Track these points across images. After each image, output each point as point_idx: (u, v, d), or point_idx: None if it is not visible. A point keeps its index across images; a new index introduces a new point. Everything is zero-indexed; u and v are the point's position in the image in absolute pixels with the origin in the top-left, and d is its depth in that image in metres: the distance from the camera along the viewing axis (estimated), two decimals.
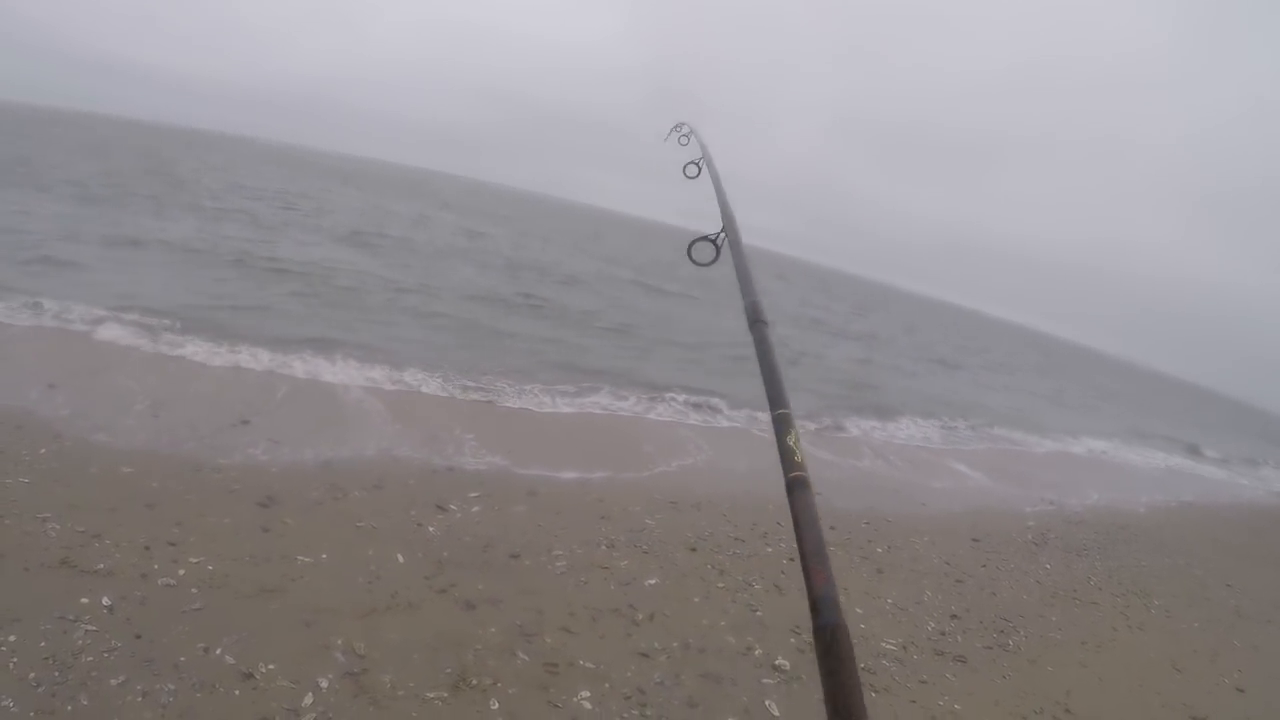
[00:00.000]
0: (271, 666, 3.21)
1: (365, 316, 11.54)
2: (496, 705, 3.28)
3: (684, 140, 2.30)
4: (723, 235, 1.48)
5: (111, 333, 7.81)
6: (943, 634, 4.94)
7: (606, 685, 3.58)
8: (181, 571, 3.77)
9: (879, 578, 5.66)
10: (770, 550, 5.66)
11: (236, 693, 3.03)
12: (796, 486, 0.83)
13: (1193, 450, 19.97)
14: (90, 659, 3.03)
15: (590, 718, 3.35)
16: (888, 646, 4.57)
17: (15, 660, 2.94)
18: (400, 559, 4.38)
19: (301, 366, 8.03)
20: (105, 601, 3.39)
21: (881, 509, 7.40)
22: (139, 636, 3.22)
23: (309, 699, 3.07)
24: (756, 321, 1.17)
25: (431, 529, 4.87)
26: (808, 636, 4.36)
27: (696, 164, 2.08)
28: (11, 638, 3.05)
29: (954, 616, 5.25)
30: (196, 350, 7.82)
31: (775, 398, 0.97)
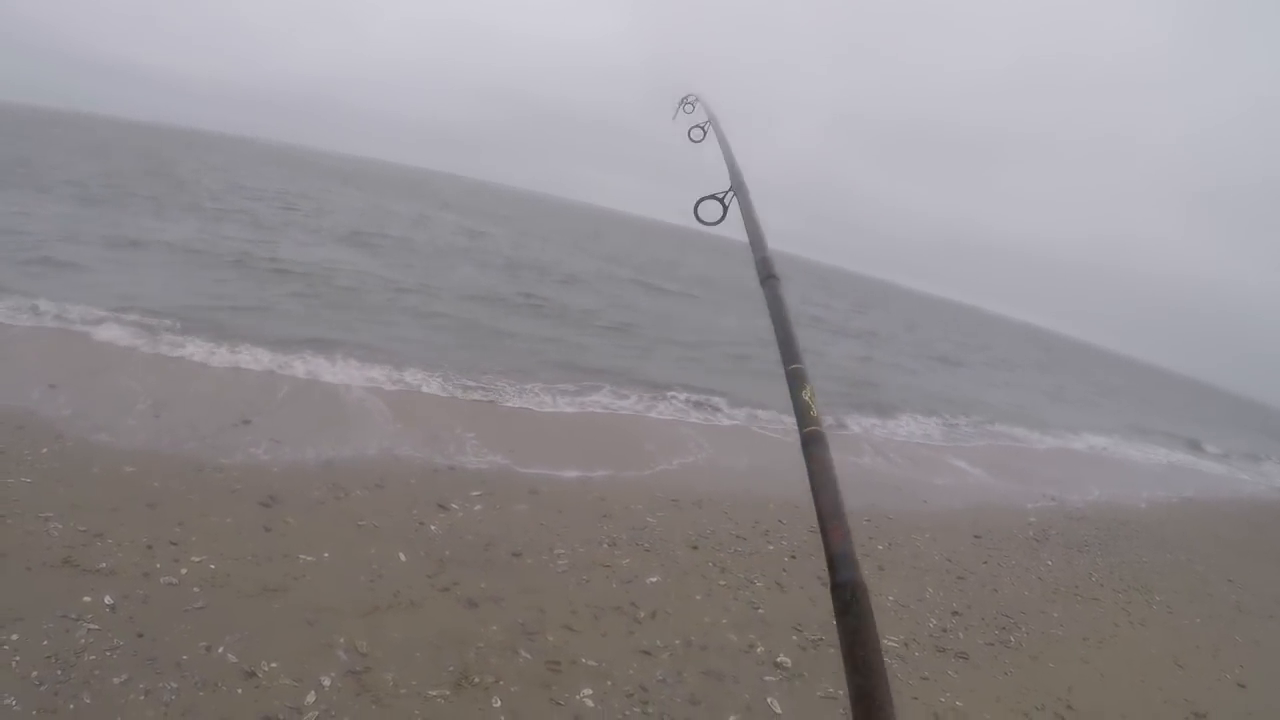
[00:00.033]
0: (274, 665, 3.21)
1: (366, 316, 11.53)
2: (499, 703, 3.28)
3: (689, 108, 2.25)
4: (730, 193, 1.41)
5: (112, 333, 7.81)
6: (944, 631, 4.94)
7: (608, 683, 3.59)
8: (184, 570, 3.78)
9: (880, 575, 5.67)
10: (772, 548, 5.66)
11: (239, 691, 3.03)
12: (812, 441, 0.79)
13: (1193, 446, 19.98)
14: (93, 657, 3.03)
15: (592, 715, 3.35)
16: (890, 643, 4.57)
17: (18, 659, 2.95)
18: (402, 558, 4.38)
19: (302, 366, 8.03)
20: (108, 600, 3.40)
21: (882, 506, 7.40)
22: (141, 635, 3.22)
23: (311, 697, 3.08)
24: (769, 277, 1.13)
25: (433, 528, 4.87)
26: (810, 634, 4.39)
27: (702, 127, 1.99)
28: (14, 636, 3.05)
29: (955, 613, 5.25)
30: (197, 350, 7.82)
31: (788, 354, 0.94)
